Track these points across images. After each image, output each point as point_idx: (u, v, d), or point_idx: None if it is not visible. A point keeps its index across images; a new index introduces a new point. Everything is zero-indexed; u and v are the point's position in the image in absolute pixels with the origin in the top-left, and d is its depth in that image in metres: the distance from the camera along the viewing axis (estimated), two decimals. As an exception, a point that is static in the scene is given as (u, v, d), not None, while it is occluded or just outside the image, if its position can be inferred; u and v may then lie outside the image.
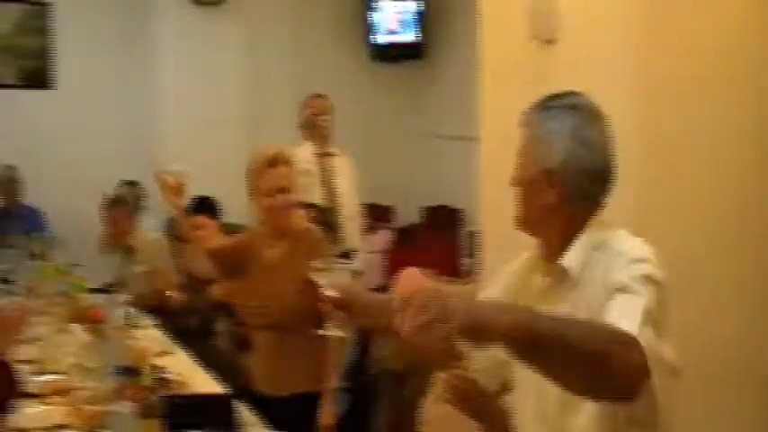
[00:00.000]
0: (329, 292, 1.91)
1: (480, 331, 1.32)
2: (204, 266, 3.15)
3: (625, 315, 1.41)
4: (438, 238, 6.87)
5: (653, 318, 1.44)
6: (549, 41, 3.02)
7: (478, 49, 3.46)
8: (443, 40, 7.25)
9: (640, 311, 1.42)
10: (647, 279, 1.49)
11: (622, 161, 1.70)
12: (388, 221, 7.32)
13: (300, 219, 3.18)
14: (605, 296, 1.50)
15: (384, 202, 7.07)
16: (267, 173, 2.95)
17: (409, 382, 3.13)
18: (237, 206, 5.30)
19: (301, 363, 3.01)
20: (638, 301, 1.45)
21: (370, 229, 5.92)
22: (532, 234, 1.71)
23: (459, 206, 7.22)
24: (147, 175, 5.51)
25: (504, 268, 1.84)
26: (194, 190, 4.55)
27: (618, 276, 1.51)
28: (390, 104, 7.47)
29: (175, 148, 5.93)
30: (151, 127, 6.36)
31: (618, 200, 1.73)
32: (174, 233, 3.19)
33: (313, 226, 3.13)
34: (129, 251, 4.87)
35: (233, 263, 3.14)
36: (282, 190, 2.95)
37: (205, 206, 4.53)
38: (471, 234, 6.16)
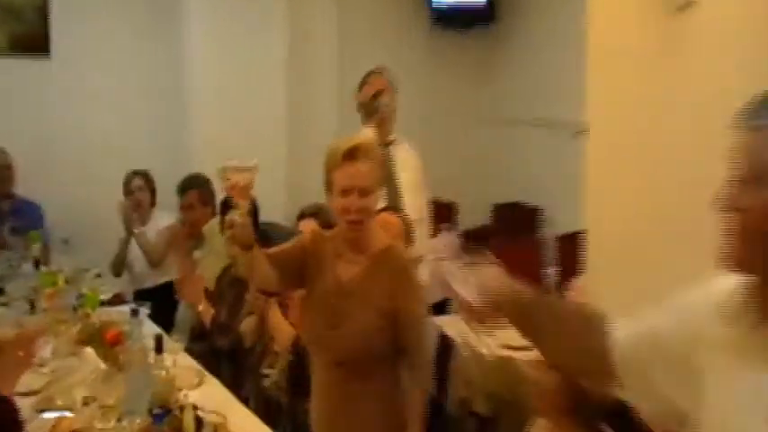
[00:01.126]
0: (466, 294, 1.76)
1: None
2: (266, 275, 2.99)
3: None
4: (511, 242, 6.77)
5: None
6: (681, 8, 2.94)
7: (586, 18, 3.40)
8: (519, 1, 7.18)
9: None
10: None
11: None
12: (450, 221, 7.23)
13: (383, 231, 3.06)
14: None
15: (445, 197, 6.99)
16: (343, 167, 2.82)
17: (499, 427, 3.07)
18: (272, 205, 5.29)
19: (370, 410, 2.88)
20: None
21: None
22: (749, 275, 1.50)
23: (537, 204, 7.12)
24: (163, 166, 5.53)
25: (687, 295, 1.63)
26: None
27: None
28: (454, 80, 7.39)
29: (203, 134, 5.91)
30: (176, 112, 6.32)
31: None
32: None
33: (398, 242, 3.00)
34: (201, 241, 4.88)
35: (295, 268, 2.98)
36: (361, 191, 2.82)
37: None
38: (556, 238, 6.09)
